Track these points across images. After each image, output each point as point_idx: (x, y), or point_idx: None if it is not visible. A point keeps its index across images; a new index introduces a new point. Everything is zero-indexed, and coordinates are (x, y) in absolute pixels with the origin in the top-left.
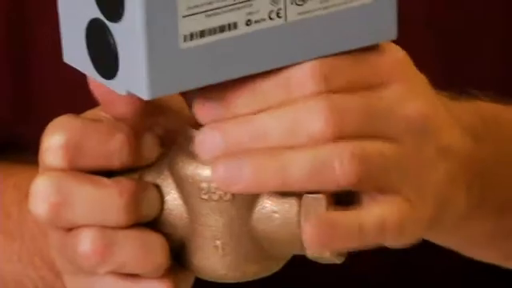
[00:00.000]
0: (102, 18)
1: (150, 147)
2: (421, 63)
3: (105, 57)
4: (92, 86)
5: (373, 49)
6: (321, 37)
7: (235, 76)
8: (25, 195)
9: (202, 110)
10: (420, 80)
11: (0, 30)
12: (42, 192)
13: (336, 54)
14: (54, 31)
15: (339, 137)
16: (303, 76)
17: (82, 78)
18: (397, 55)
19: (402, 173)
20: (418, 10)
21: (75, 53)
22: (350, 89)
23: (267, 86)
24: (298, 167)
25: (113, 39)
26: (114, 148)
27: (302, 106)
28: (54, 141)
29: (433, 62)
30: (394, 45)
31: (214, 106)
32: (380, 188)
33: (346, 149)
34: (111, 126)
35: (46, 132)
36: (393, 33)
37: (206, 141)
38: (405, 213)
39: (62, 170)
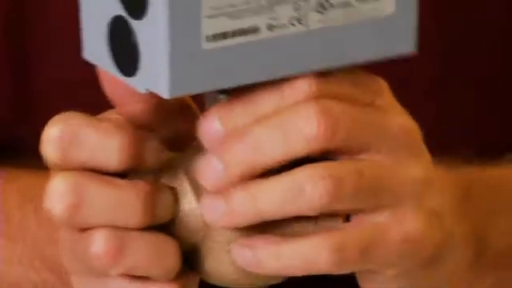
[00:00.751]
0: (125, 15)
1: (153, 151)
2: (422, 54)
3: (126, 54)
4: (105, 85)
5: (361, 69)
6: (341, 46)
7: (254, 80)
8: (28, 199)
9: (204, 130)
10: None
11: (0, 30)
12: (57, 192)
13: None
14: (53, 31)
15: (331, 140)
16: (296, 85)
17: (81, 78)
18: (380, 78)
19: (380, 194)
20: (423, 1)
21: (96, 49)
22: (342, 99)
23: (261, 100)
24: (269, 198)
25: (135, 36)
26: (110, 147)
27: (294, 112)
28: (51, 132)
29: (434, 53)
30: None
31: (213, 125)
32: (355, 210)
33: (316, 171)
34: (113, 125)
35: (47, 125)
36: (411, 45)
37: (206, 169)
38: (371, 238)
39: (78, 170)
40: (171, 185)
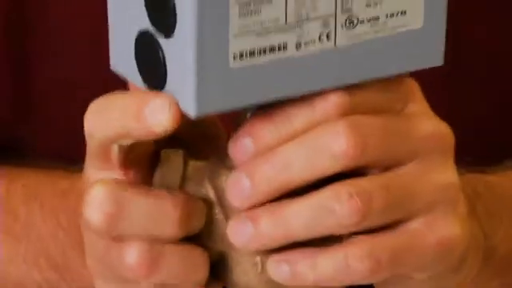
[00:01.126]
0: (152, 30)
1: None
2: None
3: (153, 69)
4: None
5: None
6: (369, 61)
7: (282, 97)
8: (33, 196)
9: (235, 149)
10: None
11: (0, 30)
12: (96, 201)
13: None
14: (53, 31)
15: (360, 157)
16: (326, 99)
17: (81, 78)
18: (411, 81)
19: (412, 203)
20: None
21: (123, 62)
22: (371, 111)
23: (291, 115)
24: (298, 220)
25: (162, 53)
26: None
27: (322, 130)
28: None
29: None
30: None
31: (244, 142)
32: (386, 223)
33: (343, 189)
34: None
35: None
36: (439, 58)
37: (234, 187)
38: (406, 243)
39: (117, 181)
40: (197, 194)
